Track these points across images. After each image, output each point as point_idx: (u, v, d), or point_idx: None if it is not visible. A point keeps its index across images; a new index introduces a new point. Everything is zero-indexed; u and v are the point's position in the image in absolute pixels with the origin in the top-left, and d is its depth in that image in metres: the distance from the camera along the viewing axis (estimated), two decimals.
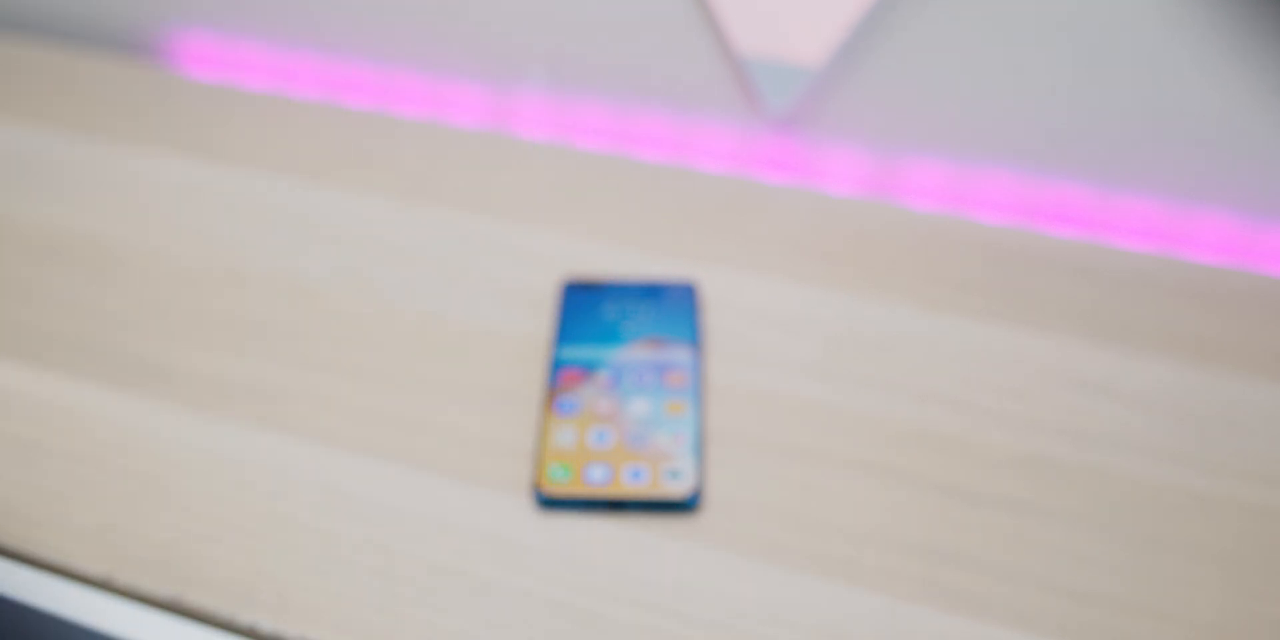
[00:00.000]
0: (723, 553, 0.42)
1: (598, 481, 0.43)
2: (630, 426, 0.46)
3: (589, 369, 0.48)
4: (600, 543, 0.42)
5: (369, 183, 0.61)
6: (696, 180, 0.62)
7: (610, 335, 0.50)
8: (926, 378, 0.49)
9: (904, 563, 0.42)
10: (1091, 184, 0.60)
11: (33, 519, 0.43)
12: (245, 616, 0.40)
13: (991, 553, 0.42)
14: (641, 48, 0.63)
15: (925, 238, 0.58)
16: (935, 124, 0.61)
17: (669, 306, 0.52)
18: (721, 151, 0.66)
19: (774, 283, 0.55)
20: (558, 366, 0.49)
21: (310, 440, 0.46)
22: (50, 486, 0.44)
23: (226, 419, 0.47)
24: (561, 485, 0.43)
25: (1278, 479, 0.45)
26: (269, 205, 0.60)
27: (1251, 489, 0.45)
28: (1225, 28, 0.53)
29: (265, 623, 0.40)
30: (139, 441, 0.46)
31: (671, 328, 0.51)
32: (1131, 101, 0.57)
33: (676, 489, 0.43)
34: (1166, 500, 0.44)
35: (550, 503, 0.43)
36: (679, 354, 0.49)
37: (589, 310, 0.52)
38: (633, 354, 0.49)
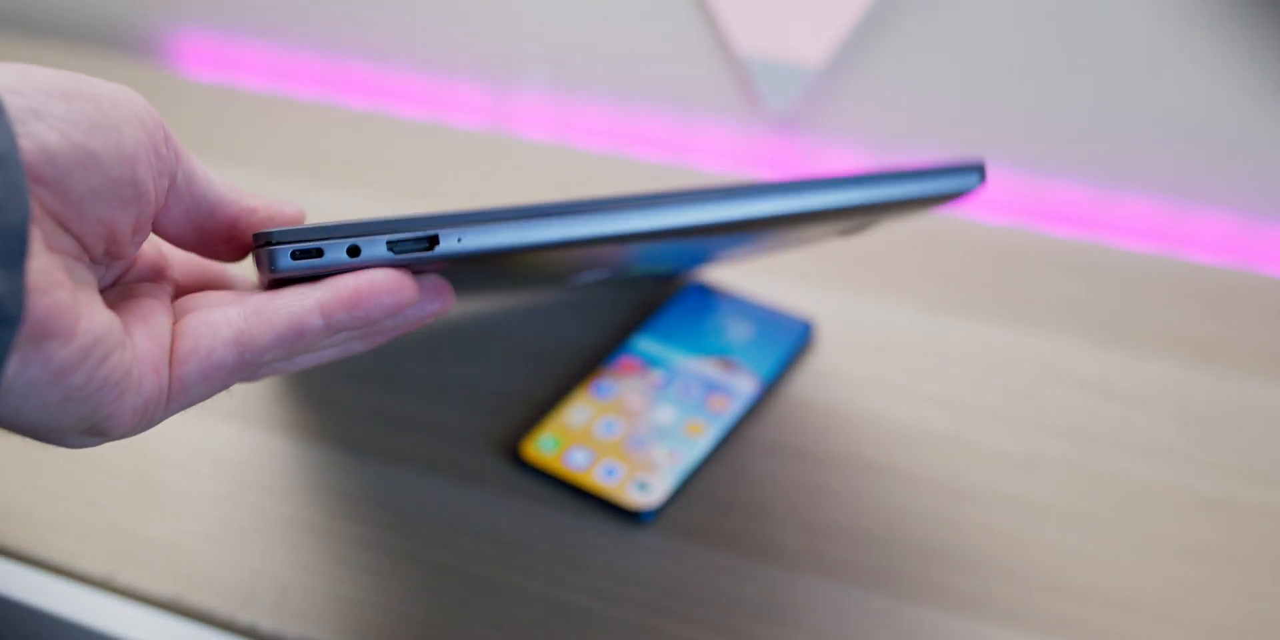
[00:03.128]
0: (723, 552, 0.42)
1: (574, 466, 0.44)
2: (641, 429, 0.46)
3: (649, 365, 0.48)
4: (600, 543, 0.42)
5: (369, 183, 0.61)
6: (697, 180, 0.62)
7: (693, 343, 0.49)
8: (926, 377, 0.49)
9: (904, 563, 0.42)
10: (1091, 184, 0.60)
11: (33, 519, 0.43)
12: (245, 616, 0.40)
13: (991, 553, 0.42)
14: (641, 48, 0.63)
15: (925, 237, 0.58)
16: (935, 124, 0.61)
17: (770, 336, 0.50)
18: (721, 151, 0.66)
19: (773, 282, 0.55)
20: (623, 351, 0.49)
21: (312, 439, 0.46)
22: (50, 486, 0.44)
23: (227, 418, 0.47)
24: (542, 456, 0.44)
25: (1278, 479, 0.45)
26: None
27: (1251, 489, 0.45)
28: (1224, 28, 0.53)
29: (265, 623, 0.40)
30: (139, 441, 0.46)
31: (754, 356, 0.49)
32: (1131, 101, 0.57)
33: (636, 499, 0.43)
34: (1166, 500, 0.44)
35: (523, 466, 0.44)
36: (741, 383, 0.47)
37: (693, 313, 0.51)
38: (697, 366, 0.48)
